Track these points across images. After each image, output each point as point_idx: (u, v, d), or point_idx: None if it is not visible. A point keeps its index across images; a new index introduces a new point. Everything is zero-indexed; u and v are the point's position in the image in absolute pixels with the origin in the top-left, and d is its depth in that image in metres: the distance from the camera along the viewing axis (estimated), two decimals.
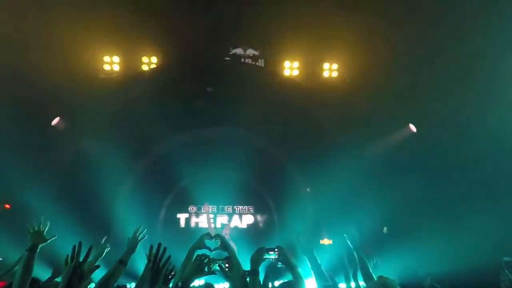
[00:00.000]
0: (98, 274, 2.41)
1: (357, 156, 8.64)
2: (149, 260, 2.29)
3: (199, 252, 2.79)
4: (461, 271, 5.90)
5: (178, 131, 9.26)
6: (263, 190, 10.26)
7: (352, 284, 3.40)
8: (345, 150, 8.61)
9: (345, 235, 3.38)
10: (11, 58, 6.87)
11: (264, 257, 2.73)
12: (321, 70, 9.02)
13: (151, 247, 2.33)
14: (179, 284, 2.44)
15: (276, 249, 2.81)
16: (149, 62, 8.89)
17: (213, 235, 3.00)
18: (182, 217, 10.33)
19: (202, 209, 10.23)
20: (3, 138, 6.99)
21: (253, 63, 9.24)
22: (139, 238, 2.98)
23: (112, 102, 8.59)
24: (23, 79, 7.23)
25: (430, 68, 7.31)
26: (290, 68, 8.97)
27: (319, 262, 3.05)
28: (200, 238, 2.97)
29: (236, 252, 2.87)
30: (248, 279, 2.59)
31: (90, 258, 2.04)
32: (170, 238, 8.98)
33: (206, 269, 2.54)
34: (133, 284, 5.60)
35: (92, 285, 2.99)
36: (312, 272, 3.05)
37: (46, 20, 6.73)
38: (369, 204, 8.55)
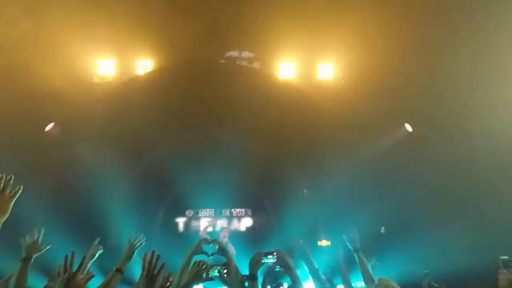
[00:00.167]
0: (94, 283, 2.37)
1: (353, 156, 8.65)
2: (143, 268, 2.26)
3: (196, 257, 2.76)
4: (458, 270, 5.91)
5: (173, 135, 9.22)
6: (261, 193, 10.24)
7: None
8: (342, 150, 8.62)
9: (344, 236, 3.36)
10: (2, 62, 6.78)
11: (263, 261, 2.70)
12: (317, 71, 9.03)
13: (145, 255, 2.29)
14: None
15: (274, 253, 2.78)
16: (144, 66, 8.85)
17: (208, 239, 2.97)
18: (179, 221, 10.28)
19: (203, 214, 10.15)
20: None
21: (249, 65, 9.23)
22: (135, 246, 2.94)
23: (107, 106, 8.53)
24: (15, 84, 7.14)
25: (426, 68, 7.30)
26: (286, 70, 8.97)
27: (316, 266, 3.01)
28: (197, 243, 2.94)
29: (235, 255, 2.86)
30: (246, 284, 2.56)
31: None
32: (168, 243, 8.92)
33: (204, 275, 2.51)
34: None
35: None
36: (310, 277, 3.03)
37: (39, 24, 6.66)
38: (366, 204, 8.55)
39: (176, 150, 9.24)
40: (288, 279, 2.85)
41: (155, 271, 2.20)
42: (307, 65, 9.06)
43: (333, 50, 8.62)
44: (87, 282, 1.99)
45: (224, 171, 9.36)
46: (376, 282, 2.82)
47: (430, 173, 7.82)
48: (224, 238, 10.15)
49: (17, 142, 7.42)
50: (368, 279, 3.10)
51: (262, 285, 2.77)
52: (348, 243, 3.33)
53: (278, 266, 2.79)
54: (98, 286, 2.58)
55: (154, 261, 2.22)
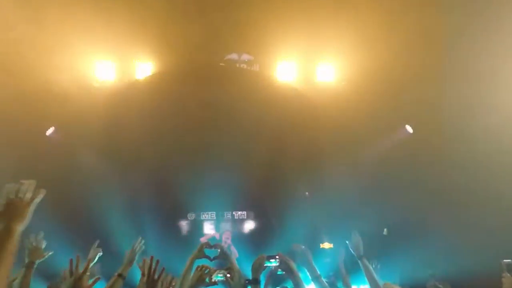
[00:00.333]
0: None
1: (355, 157, 8.64)
2: (143, 274, 2.26)
3: (198, 262, 2.75)
4: (462, 272, 5.88)
5: (174, 138, 9.22)
6: (263, 195, 10.22)
7: None
8: (344, 152, 8.60)
9: (347, 241, 3.35)
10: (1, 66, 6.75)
11: (265, 264, 2.70)
12: (317, 72, 9.02)
13: (144, 261, 2.30)
14: None
15: (277, 256, 2.78)
16: (145, 69, 8.86)
17: (210, 244, 2.97)
18: (181, 225, 10.26)
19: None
20: None
21: (249, 68, 9.25)
22: (136, 251, 2.94)
23: (107, 110, 8.54)
24: (15, 87, 7.11)
25: (429, 68, 7.24)
26: (286, 72, 8.97)
27: (318, 273, 2.95)
28: (199, 247, 2.94)
29: (237, 257, 2.85)
30: None
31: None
32: (169, 247, 8.90)
33: (207, 279, 2.51)
34: None
35: None
36: (312, 283, 2.99)
37: (39, 29, 6.63)
38: (368, 206, 8.53)
39: (177, 154, 9.24)
40: (290, 282, 2.85)
41: (155, 276, 2.21)
42: (307, 67, 9.07)
43: (334, 51, 8.62)
44: (93, 285, 1.99)
45: (226, 174, 9.34)
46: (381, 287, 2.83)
47: (433, 174, 7.79)
48: (227, 240, 10.15)
49: (17, 146, 7.42)
50: (374, 284, 3.10)
51: None
52: (351, 250, 3.32)
53: (279, 270, 2.79)
54: None
55: (153, 266, 2.22)
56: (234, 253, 9.53)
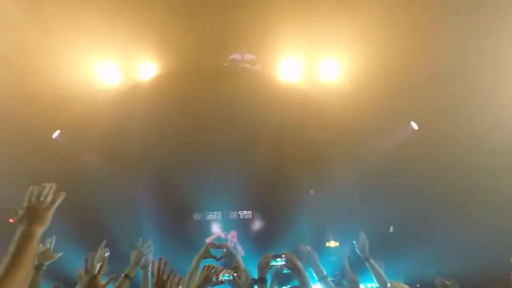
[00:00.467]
0: None
1: (361, 155, 8.60)
2: (153, 275, 2.29)
3: (205, 262, 2.77)
4: (470, 270, 5.84)
5: (179, 139, 9.26)
6: (268, 194, 10.23)
7: None
8: (349, 150, 8.58)
9: (354, 242, 3.35)
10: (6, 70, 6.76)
11: (271, 263, 2.70)
12: (321, 71, 8.98)
13: (153, 262, 2.32)
14: None
15: (283, 255, 2.77)
16: (148, 70, 8.89)
17: (215, 244, 2.98)
18: (186, 225, 10.30)
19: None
20: (3, 155, 6.97)
21: (252, 67, 9.25)
22: (143, 252, 2.96)
23: (112, 111, 8.58)
24: (19, 89, 7.14)
25: (435, 64, 7.15)
26: (290, 71, 8.94)
27: (325, 273, 2.94)
28: (205, 247, 2.96)
29: (243, 256, 2.87)
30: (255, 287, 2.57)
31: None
32: (175, 247, 8.94)
33: (214, 279, 2.52)
34: None
35: None
36: (319, 283, 2.99)
37: (43, 33, 6.66)
38: (374, 204, 8.50)
39: (182, 154, 9.27)
40: (296, 281, 2.84)
41: (164, 277, 2.23)
42: (311, 66, 9.03)
43: (337, 48, 8.55)
44: (108, 284, 2.02)
45: (231, 174, 9.36)
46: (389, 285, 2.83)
47: (438, 172, 7.73)
48: (233, 239, 10.18)
49: (23, 150, 7.47)
50: (381, 282, 3.11)
51: (269, 287, 2.76)
52: (357, 250, 3.32)
53: (285, 268, 2.78)
54: None
55: (162, 267, 2.25)
56: (240, 252, 9.56)
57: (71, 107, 7.96)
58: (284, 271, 2.84)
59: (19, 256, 1.43)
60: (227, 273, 2.60)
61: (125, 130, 8.55)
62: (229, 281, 2.60)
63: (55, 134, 8.51)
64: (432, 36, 6.91)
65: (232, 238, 10.24)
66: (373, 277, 3.20)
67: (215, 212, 10.37)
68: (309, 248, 3.02)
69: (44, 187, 1.65)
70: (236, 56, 9.23)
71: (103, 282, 1.96)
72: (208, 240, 9.99)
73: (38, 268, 2.40)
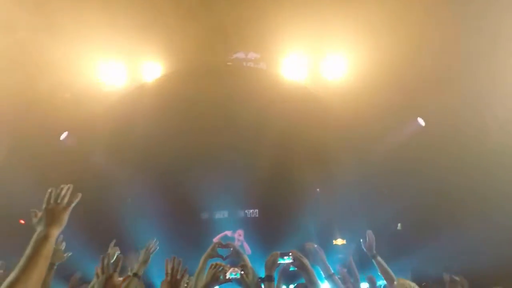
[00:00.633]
0: None
1: (367, 152, 8.56)
2: (166, 274, 2.31)
3: (212, 261, 2.79)
4: (478, 267, 5.80)
5: (185, 139, 9.29)
6: (274, 193, 10.24)
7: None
8: (355, 147, 8.54)
9: (361, 240, 3.35)
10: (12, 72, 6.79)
11: (279, 261, 2.70)
12: (326, 69, 8.94)
13: (167, 261, 2.33)
14: None
15: (290, 253, 2.76)
16: (153, 70, 8.92)
17: (222, 243, 3.00)
18: (194, 224, 10.36)
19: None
20: (12, 157, 7.05)
21: (255, 66, 9.24)
22: (151, 251, 2.99)
23: (119, 112, 8.65)
24: (22, 94, 7.19)
25: (441, 61, 7.06)
26: (294, 69, 8.91)
27: (332, 271, 2.91)
28: (212, 246, 2.98)
29: (249, 254, 2.88)
30: (263, 286, 2.58)
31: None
32: (183, 246, 9.00)
33: (221, 277, 2.54)
34: None
35: None
36: (326, 282, 2.97)
37: (47, 35, 6.69)
38: (380, 202, 8.47)
39: (188, 154, 9.31)
40: (302, 279, 2.84)
41: (178, 276, 2.25)
42: (315, 64, 8.99)
43: (341, 45, 8.48)
44: (124, 282, 2.04)
45: (237, 173, 9.39)
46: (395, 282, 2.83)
47: (447, 169, 7.65)
48: (239, 238, 10.22)
49: (31, 151, 7.55)
50: (389, 279, 3.11)
51: (277, 285, 2.77)
52: (364, 249, 3.33)
53: (292, 266, 2.78)
54: None
55: (176, 266, 2.26)
56: (247, 250, 9.59)
57: (79, 109, 8.02)
58: (291, 269, 2.85)
59: (35, 257, 1.46)
60: (234, 272, 2.61)
61: (132, 131, 8.61)
62: (236, 279, 2.61)
63: (63, 135, 8.59)
64: (442, 33, 6.81)
65: (239, 236, 10.28)
66: (380, 273, 3.20)
67: (222, 211, 10.41)
68: (316, 245, 3.01)
69: (62, 188, 1.68)
70: (240, 54, 9.23)
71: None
72: (215, 240, 10.04)
73: (49, 268, 2.43)
